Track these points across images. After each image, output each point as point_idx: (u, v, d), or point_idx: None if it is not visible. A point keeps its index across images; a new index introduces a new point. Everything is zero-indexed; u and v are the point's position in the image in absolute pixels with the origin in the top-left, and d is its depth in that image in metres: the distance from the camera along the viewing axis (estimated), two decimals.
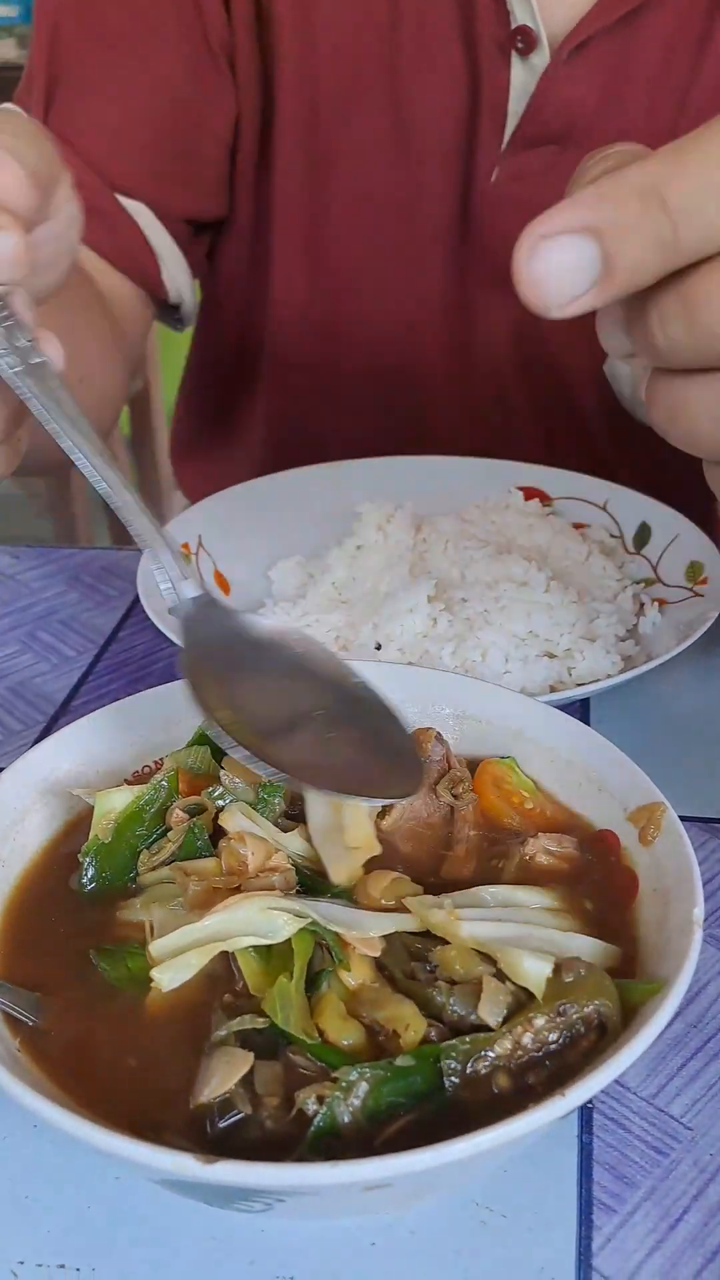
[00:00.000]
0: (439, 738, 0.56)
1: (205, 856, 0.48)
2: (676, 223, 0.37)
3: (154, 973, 0.41)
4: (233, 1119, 0.39)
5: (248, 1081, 0.40)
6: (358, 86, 0.92)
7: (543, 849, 0.49)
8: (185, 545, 0.84)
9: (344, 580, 0.81)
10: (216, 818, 0.50)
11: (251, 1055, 0.40)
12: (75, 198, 0.58)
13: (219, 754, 0.55)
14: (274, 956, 0.42)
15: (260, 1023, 0.41)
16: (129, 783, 0.58)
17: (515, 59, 0.88)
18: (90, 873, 0.50)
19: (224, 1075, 0.39)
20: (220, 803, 0.50)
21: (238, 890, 0.44)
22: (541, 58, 0.88)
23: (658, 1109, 0.49)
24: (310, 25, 0.91)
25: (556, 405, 1.05)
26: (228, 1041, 0.41)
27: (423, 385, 1.05)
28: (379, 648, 0.73)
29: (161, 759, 0.58)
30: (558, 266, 0.38)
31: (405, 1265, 0.43)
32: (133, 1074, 0.42)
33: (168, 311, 1.04)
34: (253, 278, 1.06)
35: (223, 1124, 0.39)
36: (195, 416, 1.24)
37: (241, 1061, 0.40)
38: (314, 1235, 0.44)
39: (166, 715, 0.59)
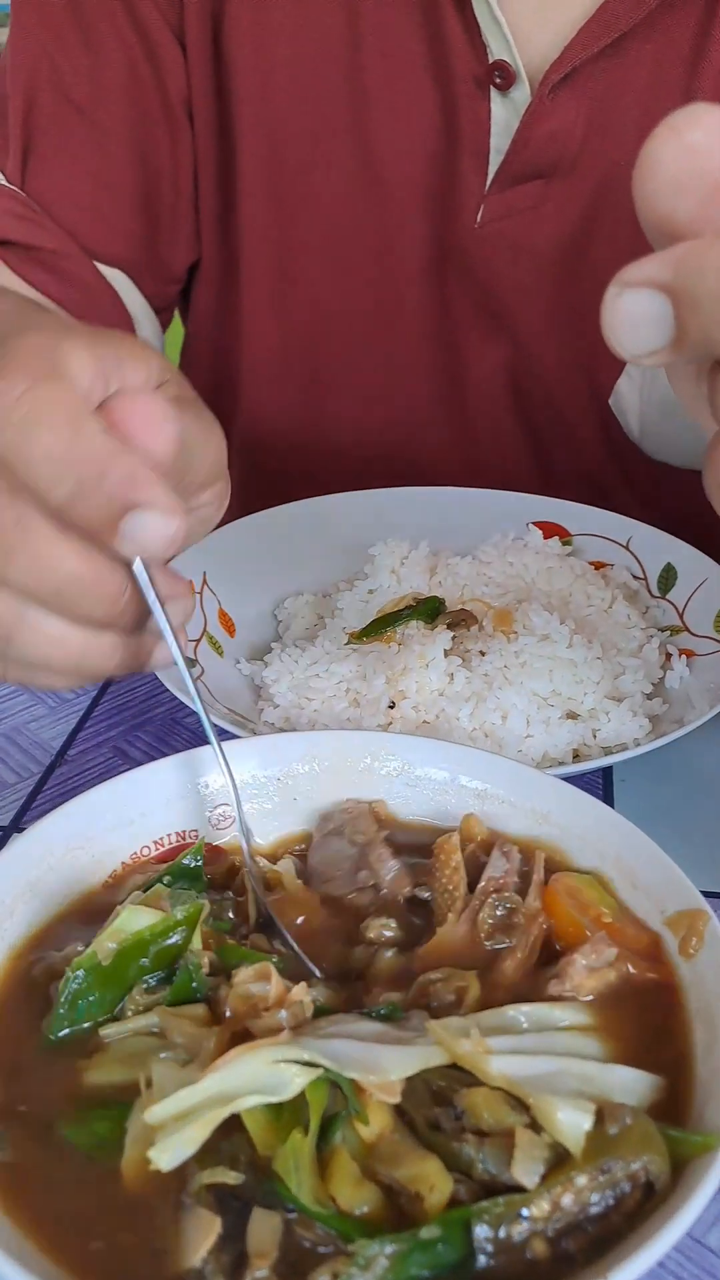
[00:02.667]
0: (503, 850, 0.51)
1: (198, 1000, 0.44)
2: None
3: (151, 1154, 0.36)
4: None
5: (227, 1244, 0.36)
6: (322, 128, 0.89)
7: (582, 967, 0.44)
8: (190, 583, 0.80)
9: (356, 626, 0.77)
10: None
11: (218, 1220, 0.36)
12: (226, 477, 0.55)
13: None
14: (284, 1109, 0.38)
15: (232, 1176, 0.37)
16: (126, 865, 0.54)
17: (495, 95, 0.84)
18: (64, 1010, 0.44)
19: (194, 1244, 0.36)
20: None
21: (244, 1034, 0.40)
22: (521, 92, 0.84)
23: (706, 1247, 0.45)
24: (269, 65, 0.88)
25: (555, 439, 1.02)
26: (200, 1199, 0.37)
27: (411, 422, 1.02)
28: (392, 706, 0.69)
29: (160, 839, 0.55)
30: (632, 317, 0.37)
31: None
32: (121, 1235, 0.37)
33: None
34: (223, 327, 1.04)
35: None
36: None
37: (208, 1227, 0.36)
38: None
39: (164, 793, 0.56)
